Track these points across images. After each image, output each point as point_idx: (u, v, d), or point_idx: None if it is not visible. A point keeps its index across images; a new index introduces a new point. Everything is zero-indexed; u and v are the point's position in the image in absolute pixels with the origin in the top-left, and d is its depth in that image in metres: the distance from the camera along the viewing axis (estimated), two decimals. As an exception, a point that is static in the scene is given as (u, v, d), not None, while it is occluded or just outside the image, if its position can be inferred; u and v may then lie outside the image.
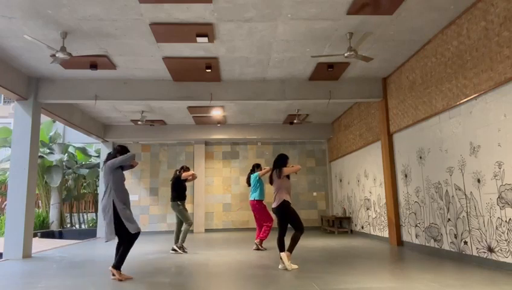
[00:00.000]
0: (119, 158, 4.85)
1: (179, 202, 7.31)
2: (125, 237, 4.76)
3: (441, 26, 5.85)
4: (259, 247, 7.33)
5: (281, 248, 5.33)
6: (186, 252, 7.20)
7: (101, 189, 12.19)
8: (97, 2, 4.94)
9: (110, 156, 4.98)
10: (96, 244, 9.55)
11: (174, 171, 7.78)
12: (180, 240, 7.21)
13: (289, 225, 5.39)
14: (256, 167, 7.88)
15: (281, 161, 5.66)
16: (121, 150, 5.02)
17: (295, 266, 5.20)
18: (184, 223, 7.24)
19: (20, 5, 4.98)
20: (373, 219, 9.04)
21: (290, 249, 5.20)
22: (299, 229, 5.27)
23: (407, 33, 6.04)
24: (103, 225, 4.89)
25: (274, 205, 5.47)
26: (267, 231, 7.43)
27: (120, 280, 4.65)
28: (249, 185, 7.77)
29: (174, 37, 6.00)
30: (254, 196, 7.58)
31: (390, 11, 5.30)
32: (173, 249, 7.20)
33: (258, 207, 7.54)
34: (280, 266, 5.24)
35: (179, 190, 7.38)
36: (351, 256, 6.30)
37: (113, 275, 4.72)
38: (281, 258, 5.21)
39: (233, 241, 9.17)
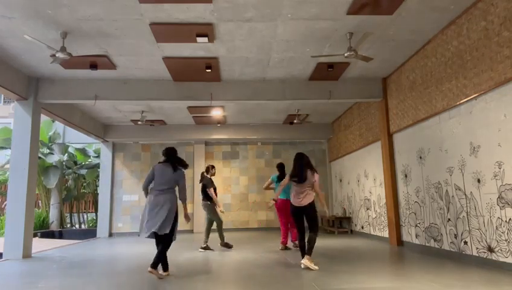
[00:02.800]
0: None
1: (208, 202, 7.52)
2: (168, 237, 4.83)
3: (441, 26, 5.85)
4: (291, 246, 7.38)
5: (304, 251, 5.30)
6: (231, 246, 7.63)
7: (99, 187, 12.19)
8: (97, 2, 4.94)
9: (177, 160, 5.12)
10: (96, 244, 9.55)
11: (201, 173, 7.84)
12: (220, 240, 7.57)
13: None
14: (279, 168, 7.67)
15: (310, 163, 5.53)
16: (171, 152, 5.17)
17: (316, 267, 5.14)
18: (215, 222, 7.51)
19: (20, 5, 4.98)
20: (373, 219, 9.04)
21: (310, 253, 5.19)
22: (316, 231, 5.30)
23: (407, 33, 6.04)
24: (152, 218, 4.75)
25: (300, 204, 5.32)
26: (293, 231, 7.36)
27: (160, 278, 4.69)
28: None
29: (174, 37, 6.00)
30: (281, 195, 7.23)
31: (390, 11, 5.30)
32: (223, 245, 7.57)
33: (284, 206, 7.20)
34: (303, 266, 5.18)
35: (204, 192, 7.59)
36: (351, 256, 6.30)
37: (159, 273, 4.74)
38: (302, 261, 5.20)
39: (233, 241, 9.16)
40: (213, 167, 7.88)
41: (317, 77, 7.88)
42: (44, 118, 9.38)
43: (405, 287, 3.98)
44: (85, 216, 15.39)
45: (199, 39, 5.99)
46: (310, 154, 12.92)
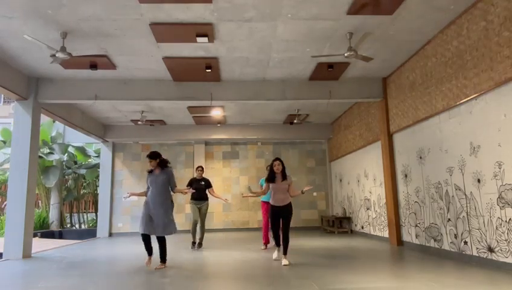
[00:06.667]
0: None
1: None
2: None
3: (441, 26, 5.85)
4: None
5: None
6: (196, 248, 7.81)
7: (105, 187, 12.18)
8: (97, 2, 4.94)
9: (164, 161, 5.69)
10: (96, 244, 9.55)
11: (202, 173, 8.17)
12: (202, 239, 7.86)
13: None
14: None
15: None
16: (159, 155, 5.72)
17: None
18: (202, 221, 7.86)
19: (20, 5, 4.98)
20: (373, 219, 9.04)
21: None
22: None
23: (407, 33, 6.04)
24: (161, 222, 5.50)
25: (281, 204, 5.75)
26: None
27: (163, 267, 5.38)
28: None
29: (174, 37, 6.00)
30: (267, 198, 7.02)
31: (390, 11, 5.30)
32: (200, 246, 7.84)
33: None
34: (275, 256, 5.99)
35: (205, 191, 8.04)
36: (351, 256, 6.30)
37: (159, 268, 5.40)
38: (278, 251, 6.01)
39: (233, 241, 9.16)
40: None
41: (317, 77, 7.88)
42: (45, 118, 9.38)
43: (405, 287, 3.98)
44: (85, 216, 15.39)
45: (199, 39, 5.99)
46: (310, 155, 13.05)
